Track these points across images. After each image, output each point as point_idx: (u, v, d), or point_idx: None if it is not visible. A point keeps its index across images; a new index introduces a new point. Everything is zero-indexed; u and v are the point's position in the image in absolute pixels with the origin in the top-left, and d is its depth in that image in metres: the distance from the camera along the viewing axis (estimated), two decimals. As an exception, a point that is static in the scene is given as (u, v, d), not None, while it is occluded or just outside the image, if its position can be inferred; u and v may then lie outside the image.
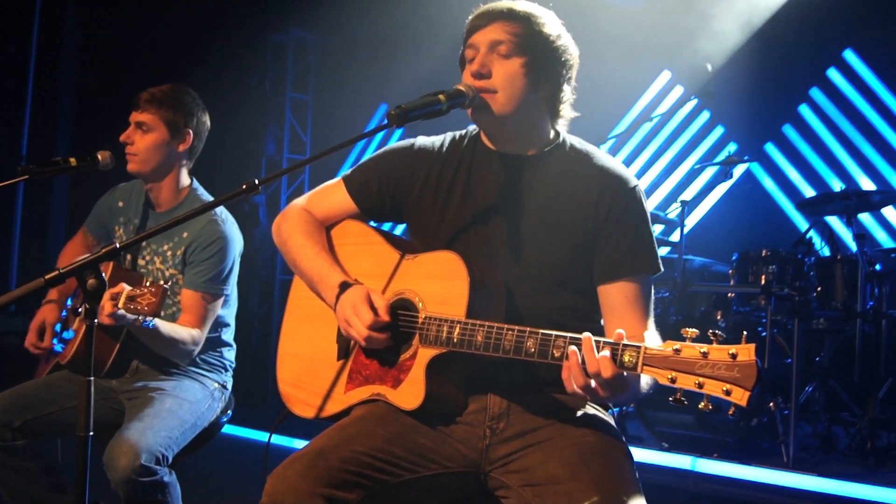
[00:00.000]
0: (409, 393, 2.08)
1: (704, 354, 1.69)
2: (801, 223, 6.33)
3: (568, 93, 2.23)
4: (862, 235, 4.85)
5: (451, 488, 2.14)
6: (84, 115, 8.09)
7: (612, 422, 2.22)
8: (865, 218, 6.15)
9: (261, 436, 6.01)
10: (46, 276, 1.93)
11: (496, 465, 2.11)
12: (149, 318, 2.62)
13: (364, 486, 1.98)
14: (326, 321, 2.31)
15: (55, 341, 3.28)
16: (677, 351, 1.72)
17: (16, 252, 7.64)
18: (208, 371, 3.17)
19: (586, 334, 1.83)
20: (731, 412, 1.69)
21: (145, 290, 2.57)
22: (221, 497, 4.63)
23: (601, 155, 2.26)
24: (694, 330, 1.72)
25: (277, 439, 5.92)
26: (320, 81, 8.38)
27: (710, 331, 1.70)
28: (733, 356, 1.67)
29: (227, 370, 3.25)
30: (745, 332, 1.72)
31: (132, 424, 2.74)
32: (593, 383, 1.82)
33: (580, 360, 1.82)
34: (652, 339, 2.09)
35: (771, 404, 4.68)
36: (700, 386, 1.68)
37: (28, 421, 2.90)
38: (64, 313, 3.32)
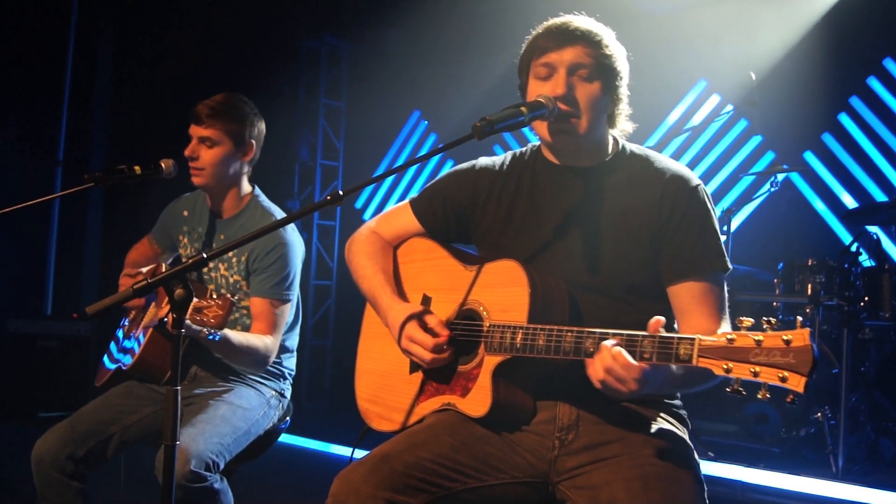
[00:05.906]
0: (477, 400, 2.11)
1: (759, 342, 1.66)
2: (841, 231, 6.28)
3: (625, 101, 2.27)
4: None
5: (519, 497, 2.14)
6: (118, 120, 8.15)
7: (686, 437, 2.20)
8: None
9: (311, 443, 6.03)
10: (135, 286, 1.94)
11: (564, 478, 2.11)
12: (214, 331, 2.58)
13: (428, 492, 2.01)
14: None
15: (113, 349, 3.29)
16: (731, 340, 1.69)
17: (52, 265, 7.69)
18: (266, 378, 3.16)
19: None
20: (788, 399, 1.64)
21: (211, 303, 2.50)
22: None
23: (660, 158, 2.27)
24: (749, 319, 1.69)
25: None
26: (353, 88, 8.42)
27: (764, 318, 1.67)
28: (787, 342, 1.62)
29: (285, 378, 3.24)
30: (799, 318, 1.67)
31: (184, 430, 2.74)
32: (609, 377, 1.83)
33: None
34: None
35: (818, 414, 4.65)
36: (756, 374, 1.65)
37: (91, 448, 2.90)
38: (125, 321, 3.33)
